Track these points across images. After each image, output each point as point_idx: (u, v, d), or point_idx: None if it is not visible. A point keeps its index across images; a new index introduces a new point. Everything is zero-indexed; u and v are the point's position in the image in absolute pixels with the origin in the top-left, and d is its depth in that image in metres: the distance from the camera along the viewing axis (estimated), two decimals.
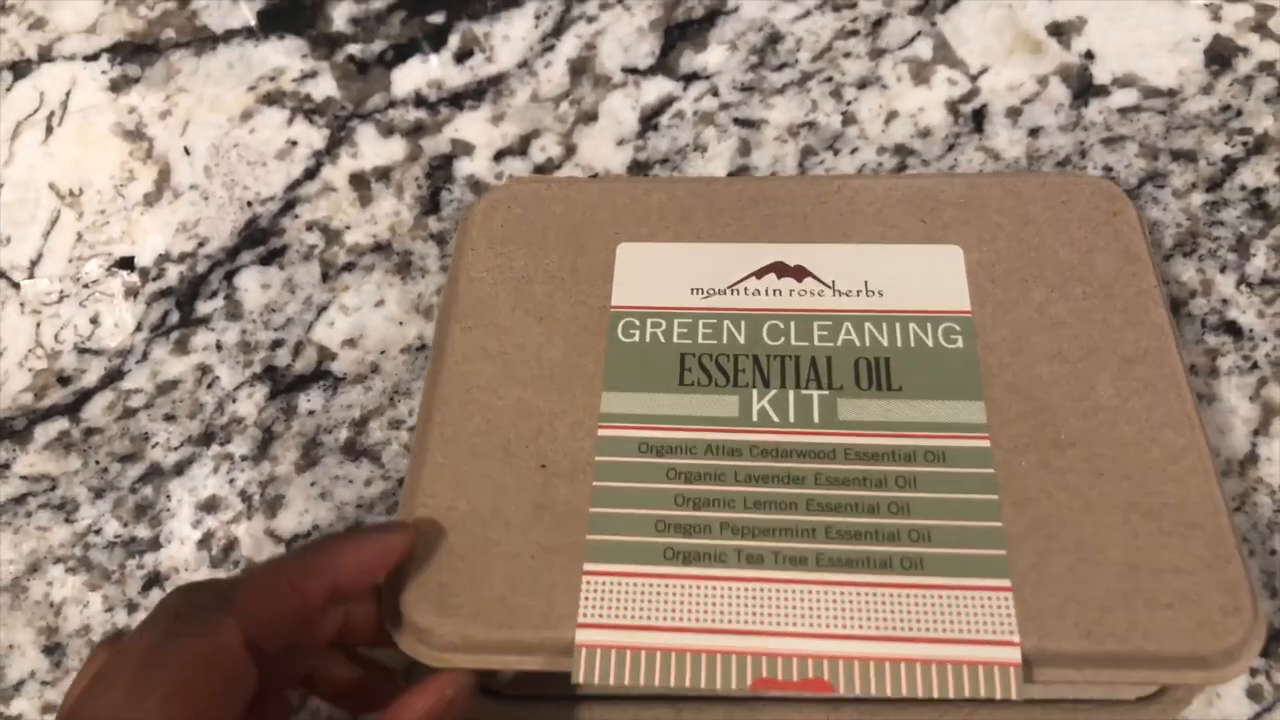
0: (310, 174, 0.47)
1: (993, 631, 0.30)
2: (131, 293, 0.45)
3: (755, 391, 0.35)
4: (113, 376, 0.43)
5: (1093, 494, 0.32)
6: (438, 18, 0.50)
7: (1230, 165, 0.43)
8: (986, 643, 0.29)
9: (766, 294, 0.37)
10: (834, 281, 0.37)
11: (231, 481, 0.40)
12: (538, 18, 0.50)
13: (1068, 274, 0.36)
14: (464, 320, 0.37)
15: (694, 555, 0.32)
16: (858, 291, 0.37)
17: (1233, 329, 0.40)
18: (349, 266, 0.44)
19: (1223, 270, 0.41)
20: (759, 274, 0.37)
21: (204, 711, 0.27)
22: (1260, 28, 0.46)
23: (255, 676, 0.28)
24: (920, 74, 0.47)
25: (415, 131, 0.47)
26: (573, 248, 0.38)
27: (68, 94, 0.50)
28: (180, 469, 0.40)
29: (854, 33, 0.48)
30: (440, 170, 0.46)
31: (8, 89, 0.51)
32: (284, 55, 0.50)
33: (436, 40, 0.50)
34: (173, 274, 0.45)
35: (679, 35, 0.49)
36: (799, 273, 0.37)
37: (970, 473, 0.33)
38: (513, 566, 0.32)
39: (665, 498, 0.33)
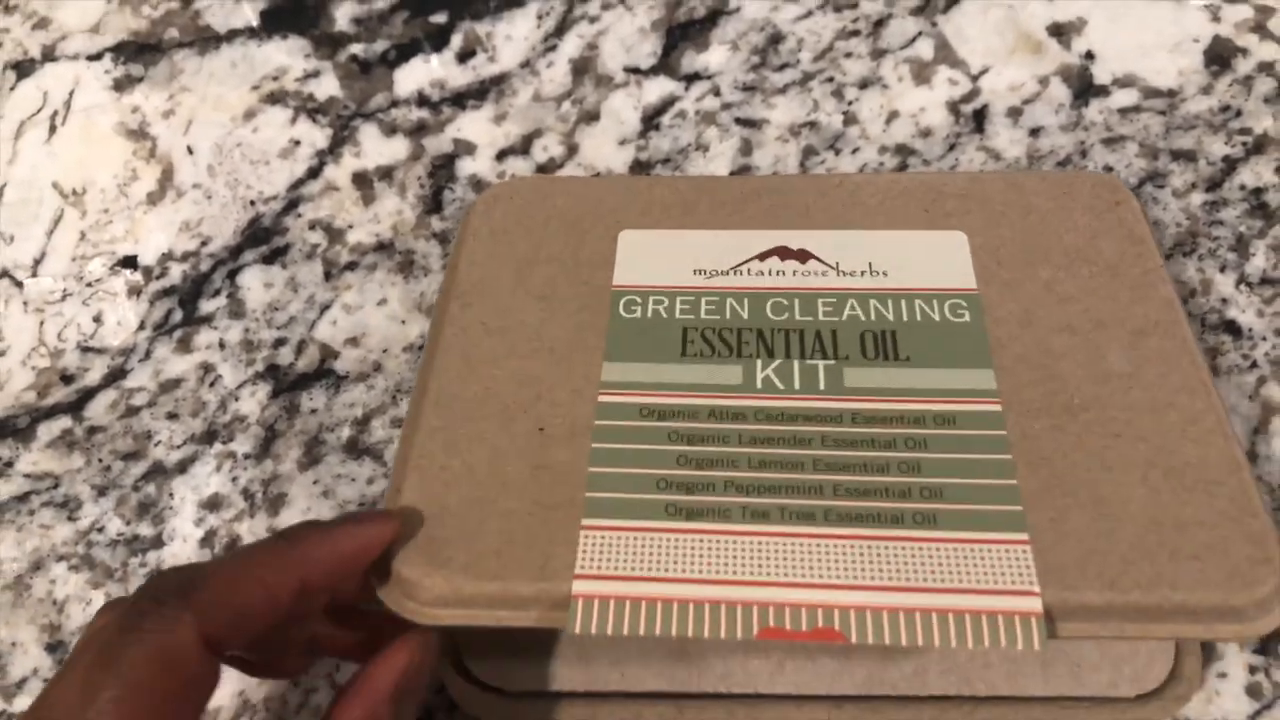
0: (313, 173, 0.47)
1: (1012, 582, 0.28)
2: (134, 291, 0.45)
3: (759, 361, 0.34)
4: (115, 375, 0.43)
5: (1110, 454, 0.31)
6: (440, 17, 0.50)
7: (1230, 165, 0.43)
8: (1006, 593, 0.28)
9: (770, 274, 0.36)
10: (837, 263, 0.36)
11: (234, 480, 0.40)
12: (540, 17, 0.50)
13: (1073, 255, 0.36)
14: (463, 298, 0.36)
15: (697, 511, 0.30)
16: (862, 272, 0.36)
17: (1232, 328, 0.40)
18: (351, 265, 0.44)
19: (1222, 270, 0.41)
20: (762, 257, 0.37)
21: (158, 711, 0.26)
22: (1260, 28, 0.46)
23: (216, 674, 0.27)
24: (921, 74, 0.47)
25: (418, 131, 0.47)
26: (575, 235, 0.38)
27: (71, 93, 0.50)
28: (183, 467, 0.41)
29: (855, 33, 0.48)
30: (443, 170, 0.46)
31: (11, 88, 0.51)
32: (287, 55, 0.50)
33: (439, 40, 0.50)
34: (176, 273, 0.45)
35: (681, 35, 0.49)
36: (802, 255, 0.37)
37: (982, 434, 0.32)
38: (508, 522, 0.31)
39: (667, 458, 0.32)
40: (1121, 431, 0.31)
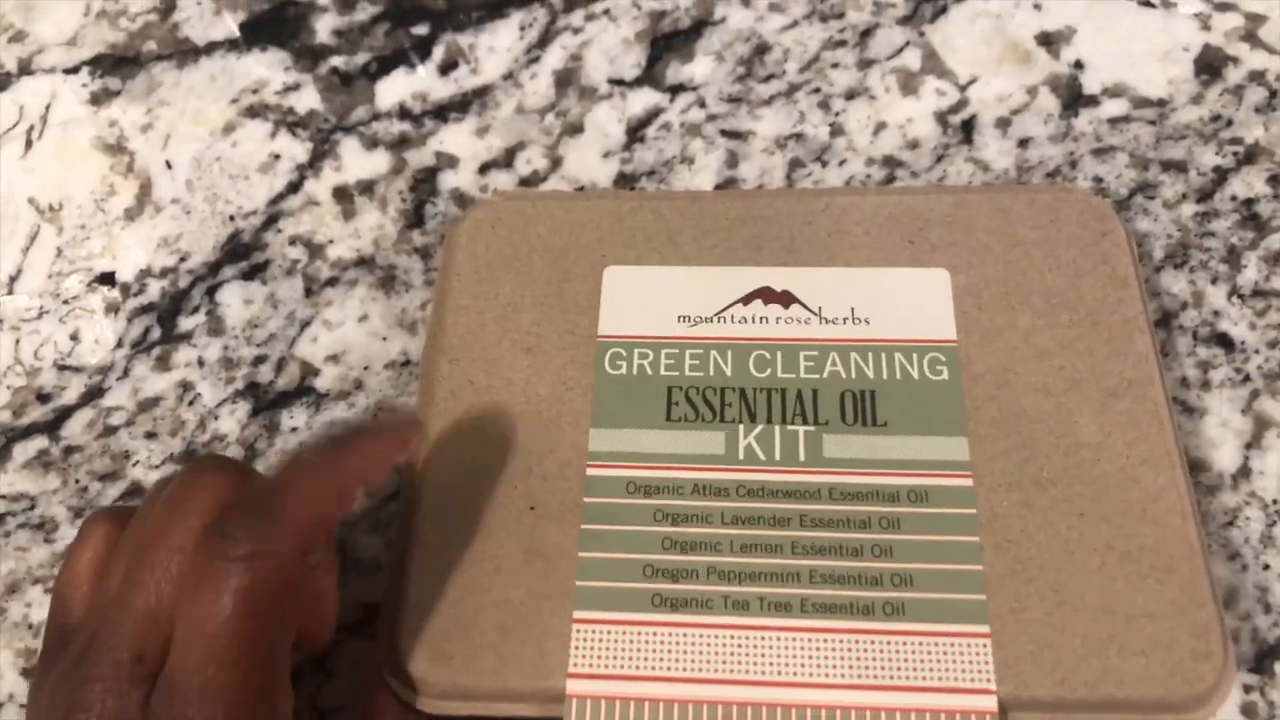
0: (293, 187, 0.46)
1: (971, 680, 0.30)
2: (112, 309, 0.44)
3: (742, 428, 0.35)
4: (93, 394, 0.42)
5: (1072, 535, 0.32)
6: (422, 29, 0.50)
7: (1221, 175, 0.43)
8: (965, 691, 0.30)
9: (753, 322, 0.37)
10: (820, 309, 0.37)
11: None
12: (523, 29, 0.49)
13: (1054, 300, 0.37)
14: (451, 353, 0.37)
15: (681, 602, 0.32)
16: (844, 319, 0.37)
17: (1224, 341, 0.39)
18: (332, 281, 0.44)
19: (1214, 282, 0.40)
20: (746, 300, 0.37)
21: (282, 626, 0.28)
22: (1250, 37, 0.46)
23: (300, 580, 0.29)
24: (909, 85, 0.46)
25: (399, 144, 0.47)
26: (559, 272, 0.39)
27: (48, 107, 0.50)
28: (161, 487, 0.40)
29: (842, 43, 0.48)
30: (424, 183, 0.46)
31: None
32: (267, 68, 0.49)
33: (421, 52, 0.49)
34: (154, 289, 0.44)
35: (665, 46, 0.48)
36: (786, 298, 0.37)
37: (953, 513, 0.33)
38: (504, 614, 0.32)
39: (653, 541, 0.33)
40: (1085, 510, 0.33)
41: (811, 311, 0.37)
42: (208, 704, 0.26)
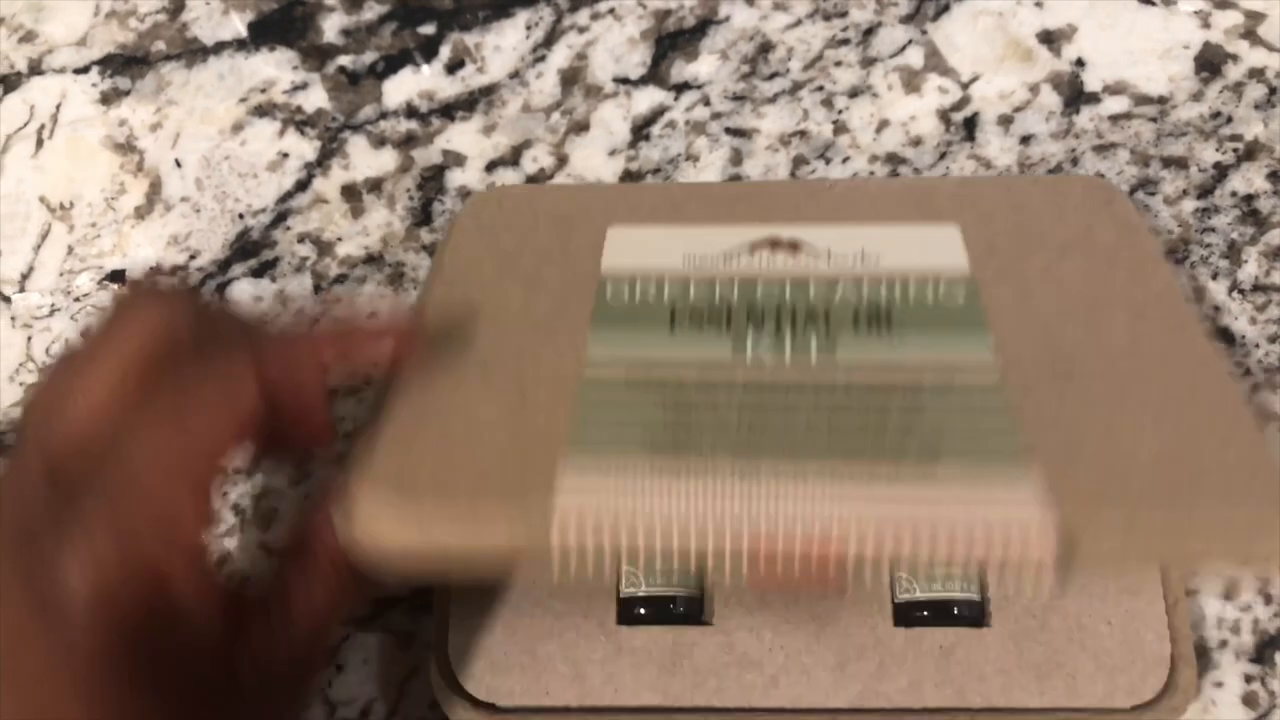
0: (302, 186, 0.47)
1: (1024, 499, 0.27)
2: None
3: (750, 334, 0.32)
4: None
5: (1113, 417, 0.30)
6: (429, 28, 0.50)
7: (1221, 172, 0.43)
8: (1019, 503, 0.27)
9: (761, 263, 0.35)
10: (829, 250, 0.35)
11: (224, 495, 0.40)
12: (529, 28, 0.50)
13: (1068, 245, 0.35)
14: (447, 279, 0.36)
15: (684, 470, 0.28)
16: (855, 258, 0.35)
17: (1225, 336, 0.40)
18: (341, 278, 0.44)
19: (1214, 277, 0.41)
20: (753, 249, 0.36)
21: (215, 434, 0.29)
22: (1250, 34, 0.46)
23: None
24: (911, 82, 0.47)
25: (407, 142, 0.47)
26: (562, 231, 0.38)
27: (58, 107, 0.50)
28: None
29: (845, 41, 0.48)
30: (432, 181, 0.46)
31: None
32: (275, 67, 0.50)
33: (427, 51, 0.50)
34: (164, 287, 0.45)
35: (670, 45, 0.49)
36: (793, 246, 0.36)
37: (981, 400, 0.30)
38: (483, 457, 0.29)
39: (654, 421, 0.30)
40: (1122, 399, 0.30)
41: (820, 254, 0.35)
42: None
